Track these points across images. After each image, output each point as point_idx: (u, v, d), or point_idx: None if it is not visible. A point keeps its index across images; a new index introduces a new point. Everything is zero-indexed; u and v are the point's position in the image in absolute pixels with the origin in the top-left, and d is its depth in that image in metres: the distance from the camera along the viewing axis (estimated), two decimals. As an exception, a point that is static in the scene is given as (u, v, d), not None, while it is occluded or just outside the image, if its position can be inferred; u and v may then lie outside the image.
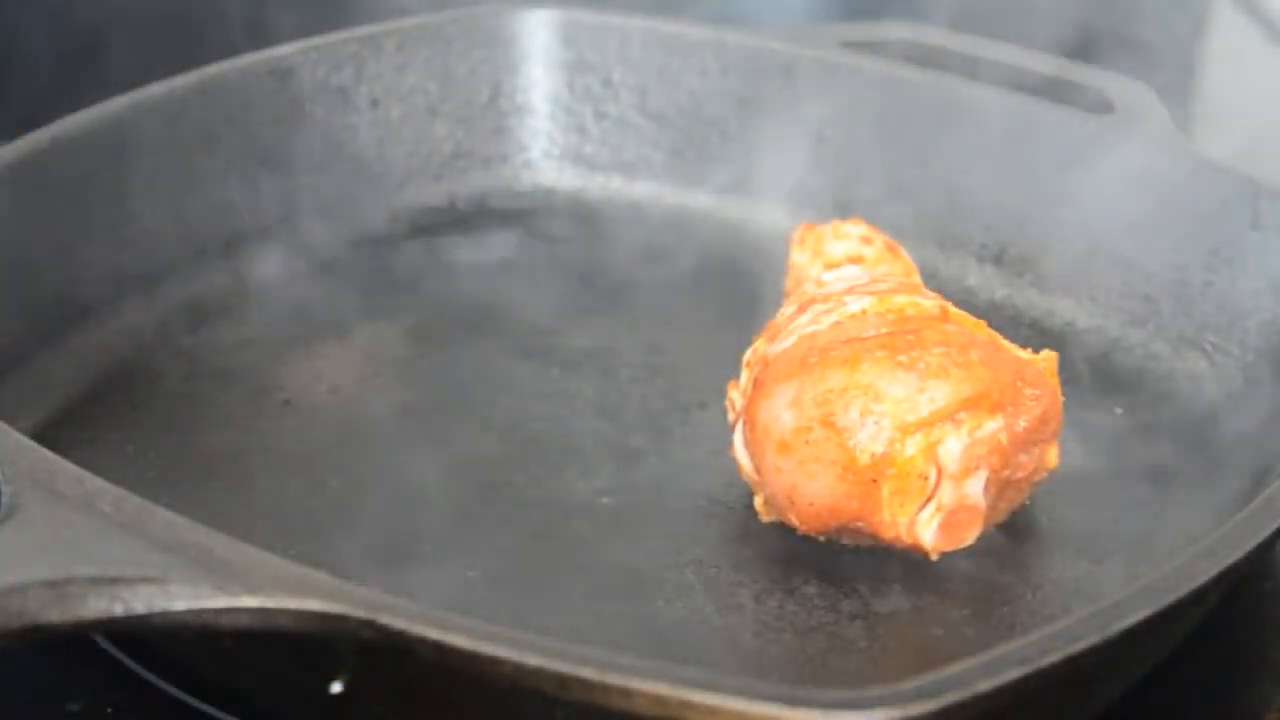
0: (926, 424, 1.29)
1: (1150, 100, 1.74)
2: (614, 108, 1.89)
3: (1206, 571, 1.14)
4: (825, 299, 1.39)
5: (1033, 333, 1.63)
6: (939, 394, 1.29)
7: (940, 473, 1.29)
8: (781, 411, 1.32)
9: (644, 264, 1.66)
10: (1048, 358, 1.36)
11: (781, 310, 1.42)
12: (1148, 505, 1.41)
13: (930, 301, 1.37)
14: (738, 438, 1.37)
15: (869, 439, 1.29)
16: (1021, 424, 1.31)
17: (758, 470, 1.36)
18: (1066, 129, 1.70)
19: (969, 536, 1.32)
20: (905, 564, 1.33)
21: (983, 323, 1.37)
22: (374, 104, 1.69)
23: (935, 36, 1.85)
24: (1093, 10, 2.09)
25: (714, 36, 1.86)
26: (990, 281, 1.72)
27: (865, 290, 1.38)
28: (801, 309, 1.40)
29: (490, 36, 1.89)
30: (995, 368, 1.31)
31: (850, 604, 1.31)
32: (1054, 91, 1.76)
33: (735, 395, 1.39)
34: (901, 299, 1.36)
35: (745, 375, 1.38)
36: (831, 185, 1.80)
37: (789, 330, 1.38)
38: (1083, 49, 1.96)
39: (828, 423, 1.30)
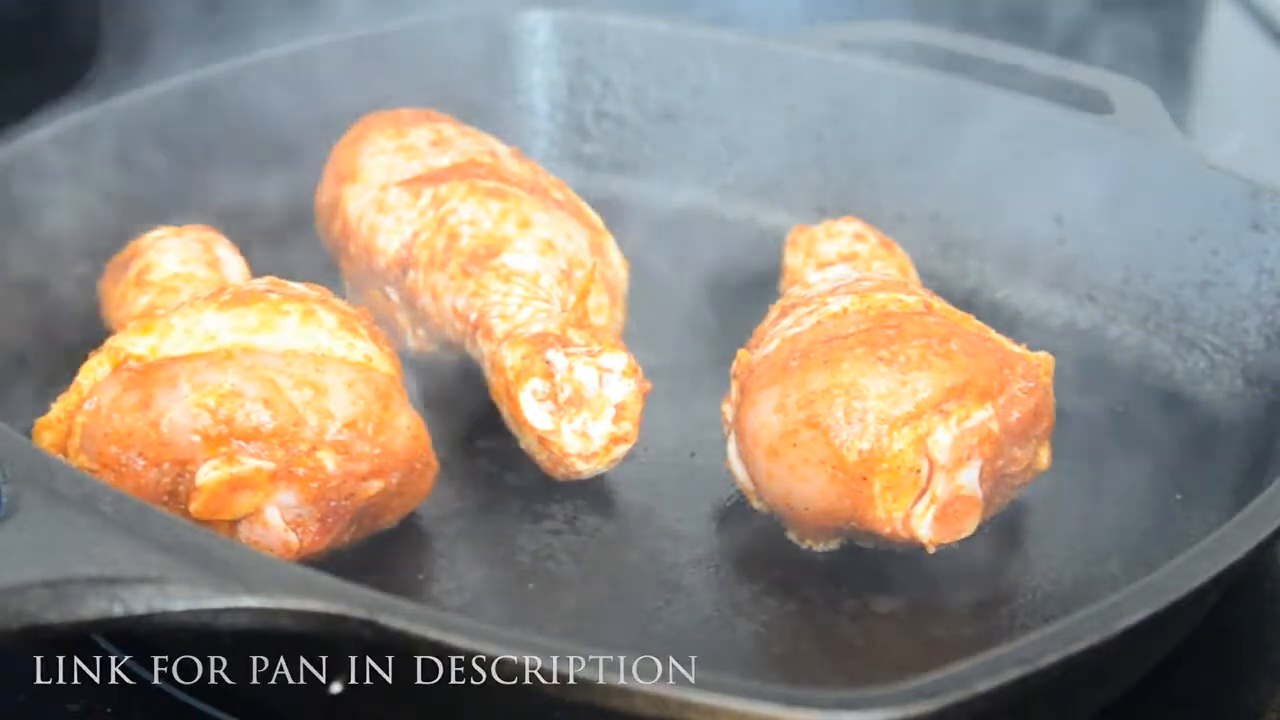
0: (913, 417, 1.29)
1: (1150, 100, 1.74)
2: (614, 107, 1.89)
3: (1206, 571, 1.14)
4: (808, 301, 1.39)
5: (1033, 333, 1.63)
6: (922, 385, 1.29)
7: (932, 465, 1.29)
8: (768, 417, 1.32)
9: (644, 263, 1.66)
10: (1043, 358, 1.36)
11: (767, 316, 1.43)
12: (1147, 505, 1.41)
13: (914, 297, 1.37)
14: (731, 449, 1.38)
15: (855, 436, 1.29)
16: (1015, 415, 1.31)
17: (752, 479, 1.36)
18: (1066, 129, 1.70)
19: (967, 527, 1.32)
20: (905, 564, 1.33)
21: (970, 316, 1.37)
22: (375, 105, 1.69)
23: (935, 36, 1.85)
24: (1093, 10, 2.09)
25: (714, 36, 1.87)
26: (990, 281, 1.72)
27: (847, 289, 1.39)
28: (784, 313, 1.40)
29: (490, 36, 1.89)
30: (979, 356, 1.31)
31: (850, 604, 1.31)
32: (1054, 91, 1.76)
33: (727, 408, 1.40)
34: (883, 296, 1.36)
35: (734, 386, 1.39)
36: (830, 185, 1.81)
37: (771, 335, 1.38)
38: (1083, 49, 1.96)
39: (813, 424, 1.30)
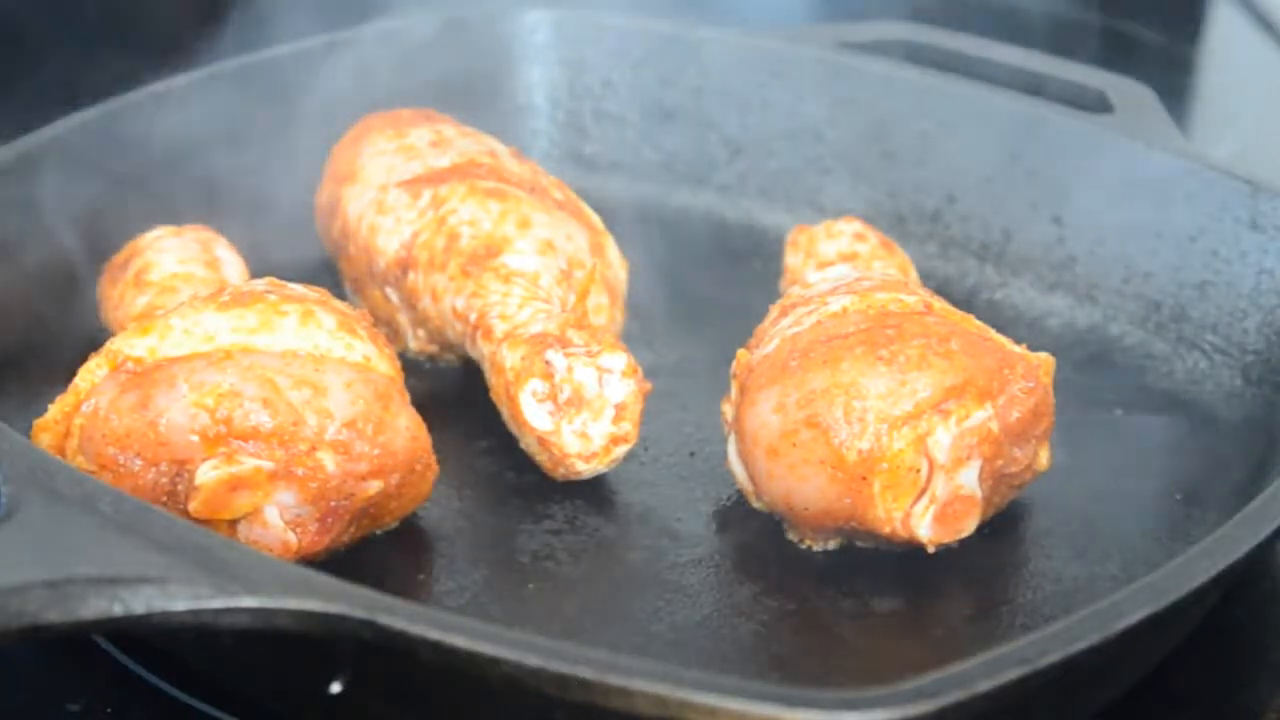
0: (913, 416, 1.29)
1: (1150, 100, 1.74)
2: (614, 108, 1.89)
3: (1206, 571, 1.14)
4: (807, 301, 1.39)
5: (1032, 333, 1.63)
6: (921, 385, 1.29)
7: (932, 465, 1.29)
8: (768, 417, 1.32)
9: (644, 264, 1.66)
10: (1043, 358, 1.36)
11: (767, 316, 1.43)
12: (1148, 505, 1.41)
13: (914, 297, 1.37)
14: (731, 449, 1.38)
15: (855, 436, 1.29)
16: (1014, 414, 1.31)
17: (752, 479, 1.36)
18: (1066, 129, 1.70)
19: (966, 528, 1.32)
20: (905, 564, 1.33)
21: (970, 316, 1.37)
22: (374, 105, 1.69)
23: (933, 36, 1.85)
24: (1093, 10, 2.09)
25: (714, 36, 1.87)
26: (990, 281, 1.72)
27: (847, 289, 1.39)
28: (784, 312, 1.40)
29: (490, 36, 1.89)
30: (978, 356, 1.31)
31: (850, 604, 1.31)
32: (1054, 91, 1.76)
33: (727, 408, 1.40)
34: (883, 295, 1.36)
35: (734, 386, 1.39)
36: (830, 185, 1.81)
37: (771, 335, 1.38)
38: (1083, 49, 1.96)
39: (813, 423, 1.30)
